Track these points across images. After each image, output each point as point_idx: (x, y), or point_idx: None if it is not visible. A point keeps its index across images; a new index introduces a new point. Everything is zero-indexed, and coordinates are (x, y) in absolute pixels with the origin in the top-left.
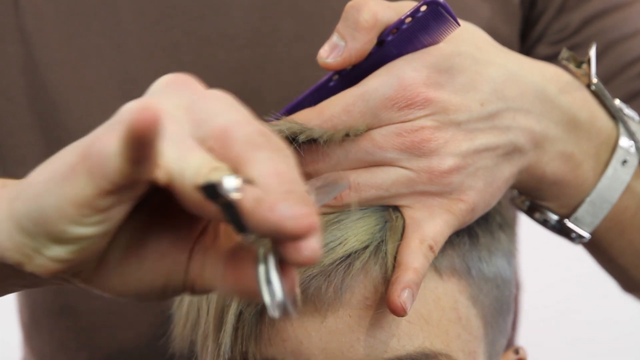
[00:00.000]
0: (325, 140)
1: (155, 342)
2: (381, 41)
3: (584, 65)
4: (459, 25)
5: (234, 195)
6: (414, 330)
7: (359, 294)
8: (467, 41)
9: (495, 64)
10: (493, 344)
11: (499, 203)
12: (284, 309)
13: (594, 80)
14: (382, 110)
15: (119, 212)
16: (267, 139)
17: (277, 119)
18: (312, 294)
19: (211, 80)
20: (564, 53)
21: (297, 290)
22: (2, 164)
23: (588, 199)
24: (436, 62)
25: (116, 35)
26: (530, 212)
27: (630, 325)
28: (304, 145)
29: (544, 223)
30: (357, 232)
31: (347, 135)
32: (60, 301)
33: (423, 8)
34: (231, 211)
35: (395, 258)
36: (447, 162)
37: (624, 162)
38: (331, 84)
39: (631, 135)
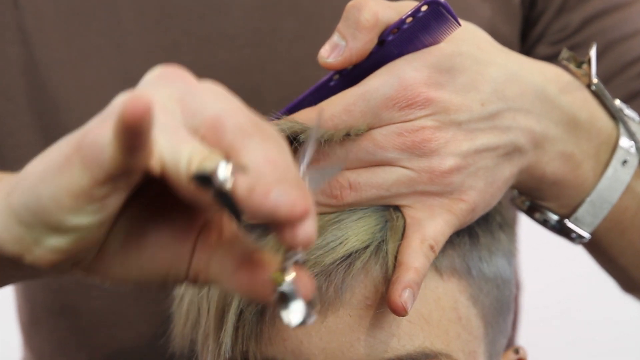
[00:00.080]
0: (325, 139)
1: (156, 342)
2: (382, 41)
3: (584, 66)
4: (459, 25)
5: (228, 183)
6: (414, 330)
7: (360, 294)
8: (468, 41)
9: (495, 64)
10: (493, 343)
11: (499, 203)
12: (304, 320)
13: (594, 80)
14: (383, 110)
15: (115, 201)
16: (259, 127)
17: (278, 119)
18: None
19: (211, 79)
20: (564, 53)
21: (316, 299)
22: (2, 164)
23: (588, 199)
24: (437, 62)
25: (116, 35)
26: (530, 212)
27: (630, 326)
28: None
29: (544, 223)
30: (357, 231)
31: (348, 134)
32: (60, 301)
33: (424, 8)
34: (226, 199)
35: (395, 258)
36: (448, 162)
37: (624, 162)
38: (332, 83)
39: (631, 135)
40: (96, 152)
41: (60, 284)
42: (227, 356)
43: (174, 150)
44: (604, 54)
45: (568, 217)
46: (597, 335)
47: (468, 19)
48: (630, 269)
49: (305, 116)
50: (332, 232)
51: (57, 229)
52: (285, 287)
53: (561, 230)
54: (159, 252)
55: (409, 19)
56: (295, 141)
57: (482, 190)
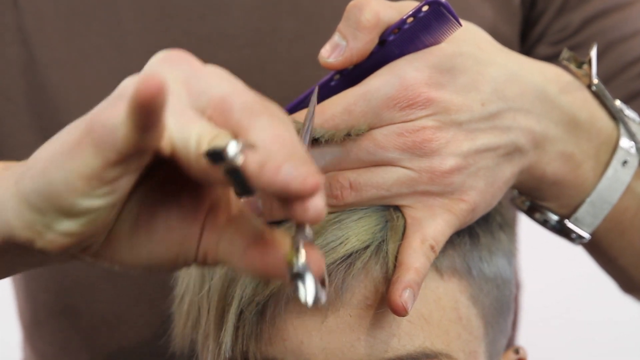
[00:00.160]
0: (326, 139)
1: (156, 342)
2: (383, 41)
3: (585, 66)
4: (460, 25)
5: (239, 160)
6: (415, 330)
7: (360, 294)
8: (468, 41)
9: (496, 64)
10: (493, 343)
11: (500, 203)
12: (317, 298)
13: (595, 80)
14: (384, 110)
15: (126, 183)
16: (265, 106)
17: None
18: None
19: None
20: (565, 53)
21: (325, 277)
22: None
23: (588, 200)
24: (438, 62)
25: (116, 35)
26: (530, 212)
27: (630, 326)
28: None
29: (544, 223)
30: (358, 231)
31: (349, 134)
32: (62, 302)
33: (425, 8)
34: (236, 175)
35: (396, 258)
36: (449, 162)
37: (625, 162)
38: (332, 83)
39: (632, 136)
40: (108, 133)
41: (62, 284)
42: (227, 356)
43: (183, 130)
44: (604, 54)
45: (568, 217)
46: (597, 336)
47: (469, 19)
48: (630, 270)
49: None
50: (333, 232)
51: (68, 212)
52: (299, 268)
53: (561, 230)
54: (168, 234)
55: (410, 19)
56: None
57: (482, 191)
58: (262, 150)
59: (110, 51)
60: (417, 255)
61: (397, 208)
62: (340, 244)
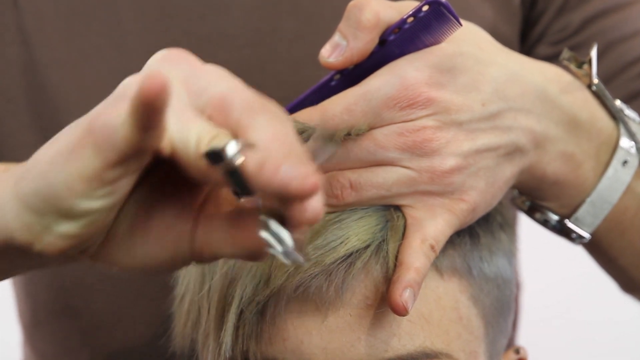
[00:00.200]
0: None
1: (156, 342)
2: (383, 41)
3: (585, 66)
4: (460, 25)
5: (238, 160)
6: (415, 329)
7: (360, 294)
8: (468, 41)
9: (496, 64)
10: (494, 343)
11: (500, 203)
12: (293, 256)
13: (595, 80)
14: (384, 109)
15: (126, 184)
16: (263, 105)
17: None
18: (313, 293)
19: None
20: (565, 53)
21: (304, 238)
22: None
23: (588, 200)
24: (438, 62)
25: (116, 35)
26: (530, 212)
27: (630, 326)
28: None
29: (545, 223)
30: (358, 231)
31: (349, 134)
32: (62, 301)
33: (425, 8)
34: (236, 176)
35: (396, 257)
36: (449, 162)
37: (625, 162)
38: (333, 83)
39: (632, 136)
40: (109, 133)
41: (62, 284)
42: (228, 356)
43: (183, 130)
44: (604, 54)
45: (568, 217)
46: (597, 335)
47: (469, 19)
48: (630, 269)
49: (307, 116)
50: (333, 232)
51: (67, 214)
52: (272, 225)
53: (561, 230)
54: (165, 233)
55: (410, 19)
56: None
57: (482, 190)
58: (262, 149)
59: (110, 51)
60: (417, 255)
61: (398, 208)
62: (341, 243)
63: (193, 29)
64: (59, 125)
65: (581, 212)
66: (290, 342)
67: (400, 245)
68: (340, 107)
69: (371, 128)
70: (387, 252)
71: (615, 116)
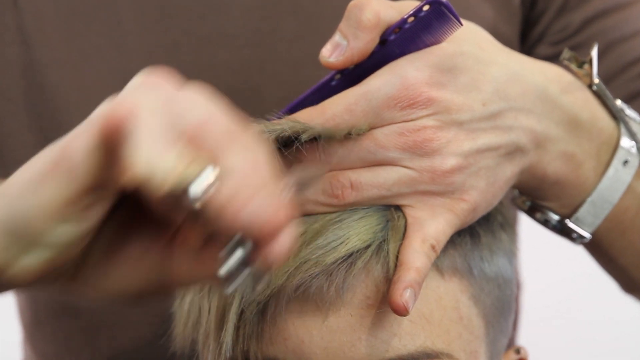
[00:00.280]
0: (327, 139)
1: (157, 341)
2: (383, 40)
3: (586, 66)
4: (461, 25)
5: (203, 198)
6: (416, 329)
7: (361, 293)
8: (469, 41)
9: (497, 64)
10: (494, 343)
11: (501, 203)
12: (251, 283)
13: (596, 80)
14: (385, 109)
15: (96, 213)
16: (240, 135)
17: (279, 118)
18: (314, 293)
19: (211, 79)
20: (566, 53)
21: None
22: (2, 164)
23: (589, 199)
24: (439, 62)
25: (116, 35)
26: (531, 212)
27: (631, 326)
28: (306, 144)
29: (545, 223)
30: (358, 231)
31: (350, 134)
32: (63, 301)
33: (426, 7)
34: (203, 211)
35: (397, 257)
36: (449, 162)
37: (625, 162)
38: (333, 83)
39: (632, 135)
40: (74, 165)
41: None
42: (228, 356)
43: (153, 160)
44: (605, 54)
45: (569, 217)
46: (597, 335)
47: (469, 18)
48: (630, 269)
49: (307, 115)
50: (333, 232)
51: (37, 243)
52: (231, 261)
53: (562, 230)
54: (136, 262)
55: (411, 19)
56: (296, 140)
57: (483, 190)
58: (232, 183)
59: (110, 51)
60: (418, 255)
61: (398, 208)
62: (341, 243)
63: (193, 29)
64: (59, 125)
65: (582, 212)
66: (291, 342)
67: (400, 245)
68: (340, 106)
69: (372, 128)
70: (387, 252)
71: (616, 116)
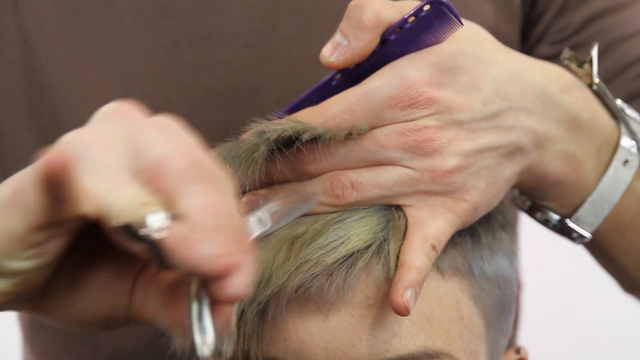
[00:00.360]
0: (328, 139)
1: (157, 341)
2: (384, 40)
3: (586, 65)
4: (462, 24)
5: (155, 235)
6: (416, 329)
7: (361, 293)
8: (469, 40)
9: (497, 64)
10: (494, 343)
11: (501, 203)
12: (215, 347)
13: (596, 80)
14: (385, 109)
15: (54, 246)
16: (200, 172)
17: (280, 118)
18: (314, 293)
19: (211, 79)
20: (566, 53)
21: (232, 327)
22: (2, 164)
23: (589, 199)
24: (439, 62)
25: (116, 35)
26: (531, 211)
27: (631, 326)
28: (307, 144)
29: (545, 223)
30: (359, 231)
31: (350, 134)
32: None
33: (426, 7)
34: (154, 249)
35: (397, 257)
36: (450, 162)
37: (626, 162)
38: (334, 82)
39: (633, 135)
40: (26, 200)
41: None
42: (229, 355)
43: (111, 195)
44: (605, 54)
45: (569, 216)
46: (597, 335)
47: (470, 18)
48: (630, 269)
49: (308, 115)
50: (334, 232)
51: None
52: (194, 310)
53: (562, 230)
54: (102, 292)
55: (412, 19)
56: (297, 140)
57: (484, 190)
58: (189, 221)
59: (110, 51)
60: (418, 255)
61: (399, 207)
62: (342, 243)
63: (193, 29)
64: (59, 125)
65: (582, 211)
66: (292, 342)
67: (401, 245)
68: (341, 106)
69: (372, 128)
70: (388, 252)
71: (616, 116)
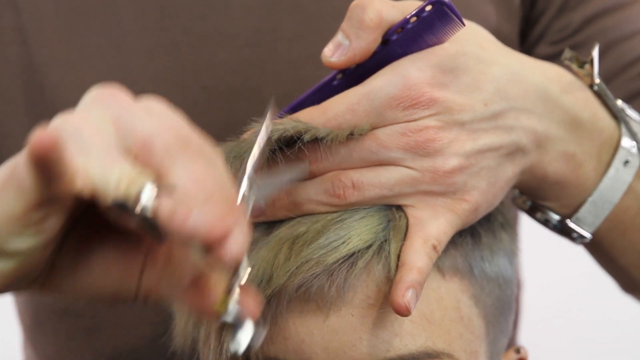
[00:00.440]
0: (329, 139)
1: (157, 340)
2: (386, 40)
3: (587, 66)
4: (464, 25)
5: (149, 209)
6: (417, 329)
7: (362, 293)
8: (471, 41)
9: (498, 64)
10: (494, 343)
11: (501, 203)
12: (251, 340)
13: (597, 80)
14: (387, 109)
15: (53, 224)
16: (187, 146)
17: (281, 117)
18: (315, 292)
19: (211, 79)
20: (567, 53)
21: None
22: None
23: (590, 199)
24: (441, 62)
25: (116, 34)
26: (531, 212)
27: (631, 325)
28: (308, 144)
29: (545, 223)
30: (360, 231)
31: (352, 134)
32: (64, 302)
33: (428, 8)
34: (148, 223)
35: (398, 257)
36: (451, 162)
37: (626, 162)
38: (335, 82)
39: (633, 135)
40: (21, 180)
41: None
42: (229, 355)
43: (104, 173)
44: (605, 53)
45: (569, 217)
46: (597, 335)
47: (471, 18)
48: (630, 269)
49: (309, 115)
50: (335, 232)
51: (0, 252)
52: (227, 317)
53: (562, 230)
54: (107, 270)
55: (413, 19)
56: (299, 140)
57: (484, 190)
58: (178, 194)
59: (110, 51)
60: (419, 255)
61: (400, 208)
62: (343, 243)
63: (193, 28)
64: None
65: (582, 211)
66: (292, 342)
67: (402, 245)
68: (342, 106)
69: (374, 128)
70: (389, 252)
71: (617, 116)
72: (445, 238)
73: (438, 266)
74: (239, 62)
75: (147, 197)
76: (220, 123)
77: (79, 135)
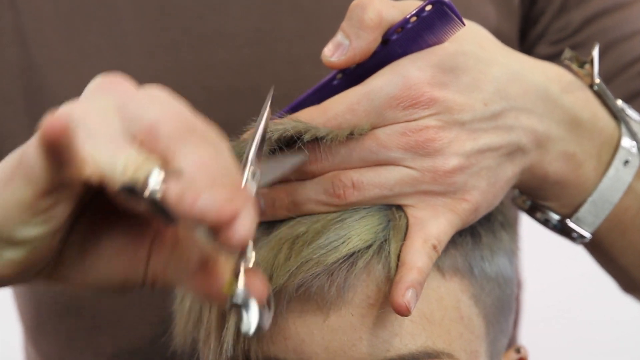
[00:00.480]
0: (329, 139)
1: (158, 340)
2: (386, 40)
3: (587, 65)
4: (464, 24)
5: (158, 192)
6: (417, 329)
7: (362, 293)
8: (470, 40)
9: (498, 63)
10: (494, 343)
11: (501, 202)
12: (258, 328)
13: (597, 80)
14: (387, 109)
15: (61, 212)
16: (192, 132)
17: (281, 117)
18: (315, 292)
19: (211, 79)
20: (567, 53)
21: (271, 300)
22: None
23: (590, 199)
24: (441, 62)
25: (116, 34)
26: (531, 211)
27: (631, 325)
28: (308, 144)
29: (545, 223)
30: (360, 231)
31: (352, 134)
32: (65, 302)
33: (428, 7)
34: (157, 207)
35: (398, 257)
36: (451, 162)
37: (626, 162)
38: (335, 82)
39: (633, 135)
40: (30, 170)
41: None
42: (229, 355)
43: (111, 159)
44: (605, 53)
45: (569, 216)
46: (598, 335)
47: (471, 18)
48: (630, 269)
49: (309, 115)
50: (335, 231)
51: (9, 242)
52: (236, 299)
53: (562, 230)
54: (115, 257)
55: (413, 19)
56: (299, 140)
57: (484, 190)
58: (184, 178)
59: (110, 51)
60: (419, 255)
61: (400, 207)
62: (343, 243)
63: (193, 28)
64: None
65: (582, 211)
66: (292, 341)
67: (402, 245)
68: (342, 106)
69: (374, 127)
70: (389, 252)
71: (617, 116)
72: (445, 238)
73: (438, 266)
74: (239, 62)
75: (155, 181)
76: (220, 123)
77: (84, 123)
